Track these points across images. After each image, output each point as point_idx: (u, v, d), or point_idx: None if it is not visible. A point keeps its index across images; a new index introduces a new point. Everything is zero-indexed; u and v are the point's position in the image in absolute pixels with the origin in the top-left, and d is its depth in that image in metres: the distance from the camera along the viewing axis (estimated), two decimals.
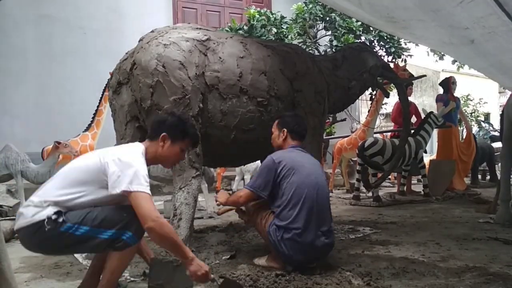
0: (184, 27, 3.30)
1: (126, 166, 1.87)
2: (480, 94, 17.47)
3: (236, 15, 9.55)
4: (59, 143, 5.34)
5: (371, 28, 7.06)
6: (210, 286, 2.18)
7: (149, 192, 1.87)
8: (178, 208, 2.92)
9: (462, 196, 6.21)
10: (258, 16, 6.91)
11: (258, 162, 4.93)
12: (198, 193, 3.09)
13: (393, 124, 7.46)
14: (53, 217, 1.82)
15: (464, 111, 9.95)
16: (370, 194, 6.17)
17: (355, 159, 6.92)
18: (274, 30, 7.01)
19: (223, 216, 4.58)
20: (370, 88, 5.90)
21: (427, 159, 7.72)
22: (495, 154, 8.43)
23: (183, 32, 3.16)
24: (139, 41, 3.20)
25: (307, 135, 3.67)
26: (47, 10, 8.12)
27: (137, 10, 8.80)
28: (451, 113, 6.92)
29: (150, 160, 2.09)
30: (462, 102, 10.30)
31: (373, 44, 7.29)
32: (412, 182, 7.33)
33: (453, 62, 9.07)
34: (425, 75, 6.86)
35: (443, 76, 11.40)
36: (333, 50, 7.00)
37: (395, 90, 5.38)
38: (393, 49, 7.34)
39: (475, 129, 12.09)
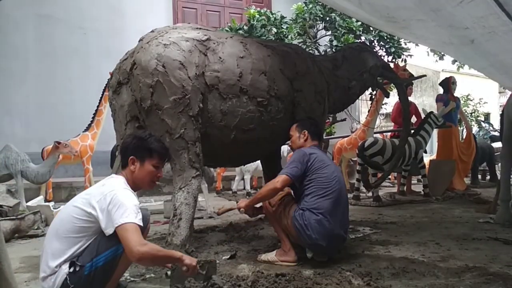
0: (184, 27, 3.29)
1: (113, 203, 1.88)
2: (480, 94, 17.47)
3: (236, 15, 9.56)
4: (59, 143, 5.34)
5: (371, 28, 7.06)
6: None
7: (136, 221, 1.86)
8: (178, 208, 2.92)
9: (462, 196, 6.21)
10: (258, 16, 6.91)
11: (258, 162, 4.94)
12: (198, 193, 3.09)
13: (393, 124, 7.46)
14: (71, 270, 1.87)
15: (464, 111, 9.95)
16: (370, 194, 6.17)
17: (355, 159, 6.92)
18: (274, 30, 7.00)
19: (223, 216, 4.60)
20: (370, 88, 5.90)
21: (427, 159, 7.72)
22: (495, 154, 8.43)
23: (183, 32, 3.16)
24: (139, 41, 3.19)
25: None
26: (48, 10, 8.13)
27: (137, 10, 8.81)
28: (451, 113, 6.92)
29: (131, 187, 2.09)
30: (462, 102, 10.30)
31: (373, 44, 7.28)
32: (412, 182, 7.32)
33: (453, 62, 9.07)
34: (425, 75, 6.85)
35: (443, 76, 11.40)
36: (333, 50, 6.99)
37: (395, 90, 5.38)
38: (393, 49, 7.33)
39: (475, 129, 12.09)
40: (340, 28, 7.04)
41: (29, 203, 4.91)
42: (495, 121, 15.01)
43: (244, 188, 7.11)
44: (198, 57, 3.05)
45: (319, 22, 7.40)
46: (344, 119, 7.80)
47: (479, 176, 8.86)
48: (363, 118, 9.67)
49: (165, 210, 4.96)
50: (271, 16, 7.01)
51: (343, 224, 2.79)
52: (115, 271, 1.97)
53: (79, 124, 6.56)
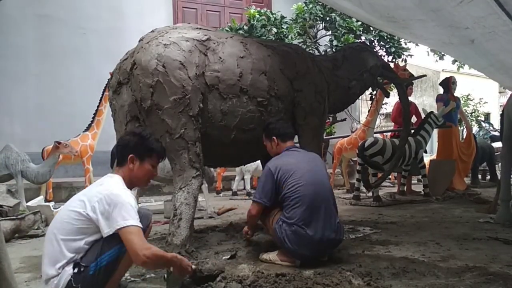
0: (184, 27, 3.29)
1: (113, 204, 1.87)
2: (480, 94, 17.47)
3: (236, 15, 9.56)
4: (59, 143, 5.34)
5: (371, 28, 7.07)
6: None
7: (138, 224, 1.88)
8: (178, 208, 2.92)
9: (462, 196, 6.20)
10: (258, 16, 6.92)
11: (258, 162, 4.94)
12: (198, 193, 3.09)
13: (393, 124, 7.46)
14: (75, 271, 1.86)
15: (464, 111, 9.94)
16: (370, 194, 6.17)
17: (355, 159, 6.92)
18: (274, 30, 7.01)
19: (223, 216, 4.61)
20: (370, 88, 5.90)
21: (427, 159, 7.72)
22: (495, 154, 8.43)
23: (183, 32, 3.16)
24: (139, 41, 3.19)
25: (307, 135, 3.69)
26: (47, 10, 8.12)
27: (137, 10, 8.81)
28: (451, 113, 6.92)
29: (127, 185, 2.09)
30: (462, 102, 10.29)
31: (373, 44, 7.29)
32: (412, 182, 7.32)
33: (453, 62, 9.07)
34: (425, 75, 6.86)
35: (443, 76, 11.41)
36: (333, 50, 7.00)
37: (395, 90, 5.38)
38: (393, 49, 7.35)
39: (475, 129, 12.08)
40: (340, 28, 7.05)
41: (29, 203, 4.91)
42: (495, 121, 15.03)
43: (244, 188, 7.11)
44: (198, 57, 3.05)
45: (319, 22, 7.42)
46: (344, 119, 7.81)
47: (479, 176, 8.85)
48: (363, 118, 9.67)
49: (165, 210, 4.96)
50: (271, 16, 7.01)
51: (327, 225, 2.66)
52: (117, 271, 1.97)
53: (79, 124, 6.56)
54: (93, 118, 6.39)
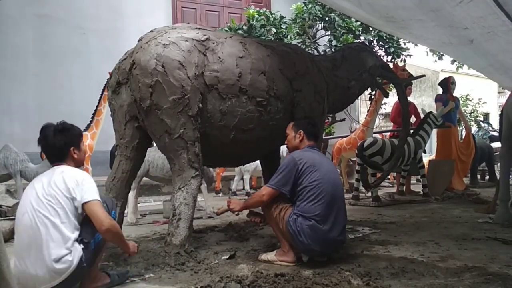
0: (183, 27, 3.29)
1: (83, 184, 2.17)
2: (479, 94, 17.47)
3: (236, 15, 9.56)
4: None
5: (371, 28, 7.07)
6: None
7: (99, 199, 2.19)
8: (177, 208, 2.92)
9: (461, 196, 6.21)
10: (257, 16, 6.91)
11: (258, 162, 4.94)
12: (197, 193, 3.09)
13: (392, 124, 7.46)
14: (82, 247, 2.12)
15: (463, 111, 9.95)
16: (369, 194, 6.17)
17: (354, 159, 6.92)
18: (274, 30, 7.00)
19: (222, 216, 4.58)
20: (370, 88, 5.90)
21: (426, 159, 7.72)
22: (494, 154, 8.44)
23: (182, 32, 3.16)
24: (138, 41, 3.19)
25: None
26: (47, 10, 8.12)
27: (137, 10, 8.80)
28: (450, 113, 6.93)
29: None
30: (461, 102, 10.31)
31: (372, 44, 7.29)
32: (411, 182, 7.33)
33: (452, 62, 9.07)
34: (424, 75, 6.87)
35: (442, 76, 11.39)
36: (333, 50, 7.00)
37: (394, 90, 5.39)
38: (392, 49, 7.34)
39: (474, 129, 12.08)
40: (339, 28, 7.05)
41: None
42: (494, 121, 15.03)
43: (244, 188, 7.11)
44: (197, 57, 3.05)
45: (318, 22, 7.41)
46: (344, 119, 7.81)
47: (478, 176, 8.86)
48: (362, 118, 9.66)
49: (165, 210, 4.96)
50: (270, 16, 7.01)
51: (339, 226, 2.74)
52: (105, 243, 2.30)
53: (78, 124, 6.37)
54: (92, 118, 6.37)
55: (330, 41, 7.34)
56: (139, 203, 5.23)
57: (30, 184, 2.30)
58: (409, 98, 5.79)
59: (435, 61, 9.45)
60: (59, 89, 8.02)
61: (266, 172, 4.20)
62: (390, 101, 8.16)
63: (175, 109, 2.92)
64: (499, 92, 20.88)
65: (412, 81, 7.16)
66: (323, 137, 6.46)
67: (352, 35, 7.10)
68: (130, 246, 2.36)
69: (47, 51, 8.08)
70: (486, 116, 18.64)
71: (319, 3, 7.01)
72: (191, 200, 2.96)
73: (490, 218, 4.28)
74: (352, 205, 5.82)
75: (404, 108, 5.01)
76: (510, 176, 4.42)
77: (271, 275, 2.41)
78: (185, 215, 2.91)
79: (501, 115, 4.56)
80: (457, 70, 9.78)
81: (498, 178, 4.92)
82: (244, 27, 6.93)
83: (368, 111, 7.27)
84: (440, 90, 7.43)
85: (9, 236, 3.76)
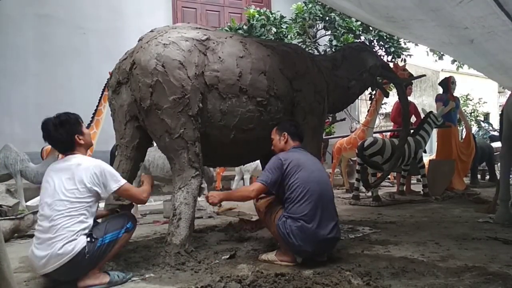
0: (183, 27, 3.29)
1: (102, 173, 2.43)
2: (480, 94, 17.47)
3: (236, 14, 9.55)
4: None
5: (371, 28, 7.07)
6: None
7: (125, 180, 2.53)
8: (177, 208, 2.92)
9: (461, 196, 6.21)
10: (257, 15, 6.92)
11: (258, 162, 4.94)
12: (198, 192, 3.09)
13: (392, 123, 7.46)
14: (88, 240, 2.32)
15: (463, 111, 9.94)
16: (369, 193, 6.17)
17: (354, 158, 6.92)
18: (274, 29, 7.01)
19: (222, 216, 4.60)
20: (370, 87, 5.90)
21: (426, 159, 7.72)
22: (495, 154, 8.44)
23: (183, 31, 3.15)
24: (138, 41, 3.19)
25: (307, 135, 3.69)
26: (47, 10, 8.11)
27: (137, 10, 8.80)
28: (450, 113, 6.92)
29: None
30: (461, 102, 10.29)
31: (372, 43, 7.29)
32: (412, 182, 7.33)
33: (453, 62, 9.07)
34: (424, 75, 6.86)
35: (442, 76, 11.40)
36: (333, 50, 7.00)
37: (394, 90, 5.38)
38: (392, 49, 7.35)
39: (474, 129, 12.09)
40: (339, 28, 7.06)
41: (29, 203, 4.91)
42: (495, 121, 15.02)
43: None
44: (197, 56, 3.05)
45: (318, 22, 7.42)
46: (344, 119, 7.81)
47: (479, 176, 8.86)
48: (362, 118, 9.67)
49: (165, 210, 4.96)
50: (270, 16, 7.01)
51: (328, 224, 2.71)
52: (113, 249, 2.45)
53: None
54: (92, 118, 6.38)
55: (330, 41, 7.34)
56: None
57: (46, 173, 2.50)
58: (409, 98, 5.79)
59: (436, 60, 9.46)
60: (59, 89, 8.01)
61: None
62: (391, 101, 8.16)
63: (175, 109, 2.92)
64: (499, 92, 20.88)
65: (413, 81, 7.15)
66: (323, 137, 6.45)
67: (352, 35, 7.10)
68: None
69: (47, 51, 8.07)
70: (486, 116, 18.64)
71: (320, 3, 7.01)
72: (191, 200, 2.96)
73: (490, 218, 4.28)
74: (353, 205, 5.82)
75: (405, 108, 5.01)
76: (511, 176, 4.41)
77: (271, 275, 2.42)
78: (185, 215, 2.91)
79: (501, 115, 4.56)
80: (457, 70, 9.78)
81: (498, 178, 4.92)
82: (245, 27, 6.93)
83: (368, 111, 7.27)
84: (440, 90, 7.43)
85: (9, 236, 3.77)
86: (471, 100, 17.10)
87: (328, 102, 3.94)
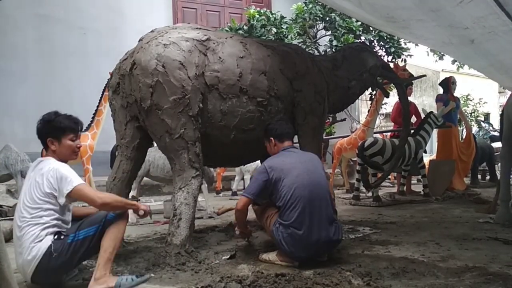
0: (184, 27, 3.29)
1: (59, 177, 2.30)
2: (480, 94, 17.48)
3: (236, 15, 9.56)
4: None
5: (371, 28, 7.07)
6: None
7: (82, 181, 2.35)
8: (178, 208, 2.92)
9: (461, 196, 6.21)
10: (258, 16, 6.92)
11: (258, 162, 4.94)
12: (198, 193, 3.09)
13: (393, 124, 7.46)
14: (55, 237, 2.27)
15: (464, 111, 9.95)
16: (370, 194, 6.17)
17: (355, 159, 6.92)
18: (274, 30, 7.01)
19: (223, 216, 4.60)
20: (370, 88, 5.90)
21: (427, 159, 7.72)
22: (495, 154, 8.43)
23: (183, 32, 3.15)
24: (139, 41, 3.19)
25: (307, 135, 3.69)
26: (47, 10, 8.12)
27: (137, 10, 8.81)
28: (451, 113, 6.92)
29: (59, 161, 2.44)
30: (462, 102, 10.29)
31: (373, 44, 7.29)
32: (412, 182, 7.32)
33: (453, 62, 9.07)
34: (425, 75, 6.86)
35: (443, 76, 11.41)
36: (333, 50, 7.00)
37: (395, 90, 5.38)
38: (393, 49, 7.35)
39: (475, 129, 12.09)
40: (340, 28, 7.05)
41: None
42: (495, 121, 15.03)
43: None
44: (198, 57, 3.05)
45: (319, 22, 7.42)
46: (344, 119, 7.82)
47: (479, 176, 8.86)
48: (363, 118, 9.67)
49: (165, 210, 4.95)
50: (271, 16, 7.01)
51: (318, 228, 2.64)
52: (118, 234, 2.37)
53: None
54: (93, 118, 6.37)
55: (330, 41, 7.34)
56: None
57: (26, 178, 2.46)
58: (409, 98, 5.79)
59: (436, 61, 9.46)
60: (60, 89, 8.02)
61: None
62: (391, 101, 8.16)
63: (175, 109, 2.92)
64: (499, 92, 20.88)
65: (413, 81, 7.16)
66: (324, 137, 6.45)
67: (352, 35, 7.10)
68: (138, 204, 2.47)
69: (47, 51, 8.08)
70: (486, 116, 18.64)
71: (320, 3, 7.01)
72: (191, 200, 2.96)
73: (490, 218, 4.28)
74: (353, 205, 5.82)
75: (405, 108, 5.01)
76: (511, 176, 4.41)
77: (271, 275, 2.41)
78: (185, 215, 2.91)
79: (501, 115, 4.56)
80: (457, 70, 9.78)
81: (498, 178, 4.92)
82: (245, 27, 6.94)
83: (368, 111, 7.27)
84: (440, 90, 7.42)
85: (10, 236, 3.76)
86: (471, 100, 17.10)
87: (329, 102, 3.94)
